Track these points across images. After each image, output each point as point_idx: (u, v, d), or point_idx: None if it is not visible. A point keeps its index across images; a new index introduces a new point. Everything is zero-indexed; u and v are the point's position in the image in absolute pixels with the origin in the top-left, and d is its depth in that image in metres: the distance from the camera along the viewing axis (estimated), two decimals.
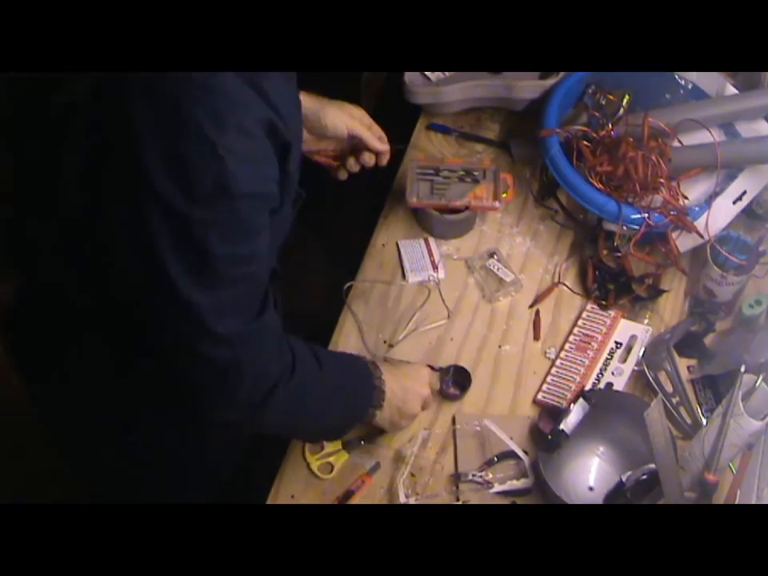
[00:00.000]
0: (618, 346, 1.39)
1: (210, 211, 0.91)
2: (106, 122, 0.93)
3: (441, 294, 1.45)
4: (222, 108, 0.90)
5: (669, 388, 1.34)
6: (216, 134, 0.89)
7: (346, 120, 1.34)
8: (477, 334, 1.42)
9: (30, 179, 1.09)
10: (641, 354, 1.37)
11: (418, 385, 1.27)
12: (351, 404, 1.23)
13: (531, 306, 1.45)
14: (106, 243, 0.99)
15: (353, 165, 1.37)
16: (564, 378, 1.36)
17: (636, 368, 1.36)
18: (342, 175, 1.39)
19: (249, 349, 1.02)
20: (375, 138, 1.36)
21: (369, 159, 1.36)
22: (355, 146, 1.37)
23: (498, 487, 1.26)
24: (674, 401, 1.33)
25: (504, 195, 1.49)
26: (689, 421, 1.31)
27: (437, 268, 1.48)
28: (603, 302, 1.43)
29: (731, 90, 1.52)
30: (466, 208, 1.47)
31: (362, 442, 1.31)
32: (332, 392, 1.18)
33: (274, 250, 1.15)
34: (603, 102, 1.51)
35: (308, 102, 1.28)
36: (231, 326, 0.99)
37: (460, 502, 1.26)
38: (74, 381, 1.22)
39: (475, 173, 1.50)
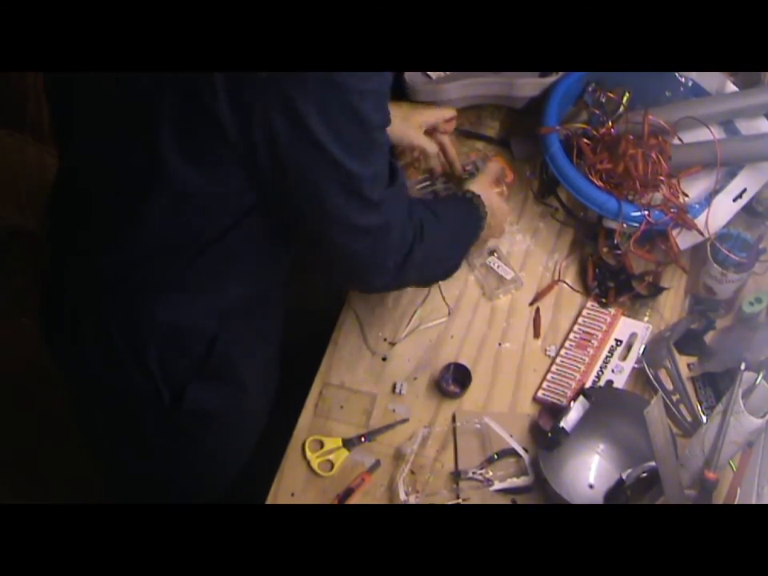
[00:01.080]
0: (618, 343, 1.39)
1: (366, 82, 0.97)
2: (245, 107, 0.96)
3: (441, 291, 1.45)
4: (373, 84, 0.99)
5: (669, 386, 1.34)
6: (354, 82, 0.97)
7: (413, 136, 1.44)
8: (477, 331, 1.42)
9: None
10: (641, 351, 1.37)
11: (499, 207, 1.41)
12: (466, 239, 1.35)
13: (531, 304, 1.45)
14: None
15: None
16: (564, 376, 1.36)
17: (636, 366, 1.36)
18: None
19: (392, 212, 1.11)
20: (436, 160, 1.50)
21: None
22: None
23: (498, 485, 1.26)
24: (674, 398, 1.33)
25: (505, 178, 1.49)
26: (689, 418, 1.31)
27: None
28: (603, 300, 1.43)
29: (731, 87, 1.52)
30: None
31: (362, 440, 1.31)
32: (451, 236, 1.30)
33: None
34: (603, 100, 1.51)
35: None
36: (379, 192, 1.08)
37: (460, 500, 1.26)
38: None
39: (468, 167, 1.50)
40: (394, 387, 1.36)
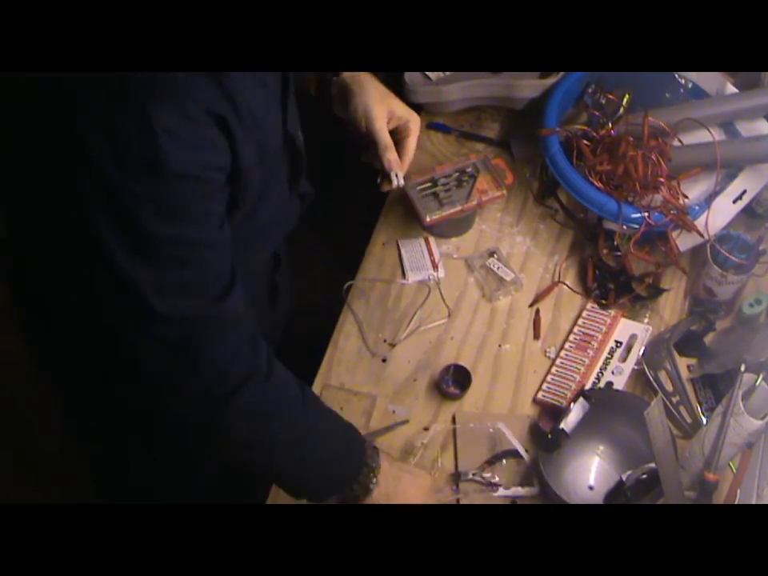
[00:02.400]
0: (618, 345, 1.39)
1: (141, 185, 0.89)
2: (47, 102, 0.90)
3: (441, 293, 1.45)
4: (165, 87, 0.88)
5: (669, 387, 1.34)
6: (152, 109, 0.87)
7: (368, 114, 1.28)
8: (477, 333, 1.42)
9: None
10: (641, 353, 1.37)
11: (413, 489, 1.19)
12: (332, 461, 1.14)
13: (531, 305, 1.45)
14: (49, 226, 0.98)
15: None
16: (564, 377, 1.36)
17: (636, 367, 1.36)
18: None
19: (204, 334, 0.98)
20: (388, 154, 1.30)
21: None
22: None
23: (502, 491, 1.26)
24: (674, 400, 1.33)
25: (505, 180, 1.49)
26: (689, 420, 1.31)
27: (437, 267, 1.48)
28: (603, 301, 1.43)
29: (731, 89, 1.52)
30: (478, 206, 1.47)
31: None
32: (312, 433, 1.11)
33: (267, 235, 1.14)
34: (603, 101, 1.51)
35: (348, 77, 1.27)
36: (180, 306, 0.96)
37: (460, 501, 1.26)
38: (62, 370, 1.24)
39: (468, 169, 1.50)
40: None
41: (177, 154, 0.89)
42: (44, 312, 1.17)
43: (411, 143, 1.32)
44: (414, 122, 1.33)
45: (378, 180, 1.34)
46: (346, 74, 1.29)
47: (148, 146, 0.88)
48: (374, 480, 1.15)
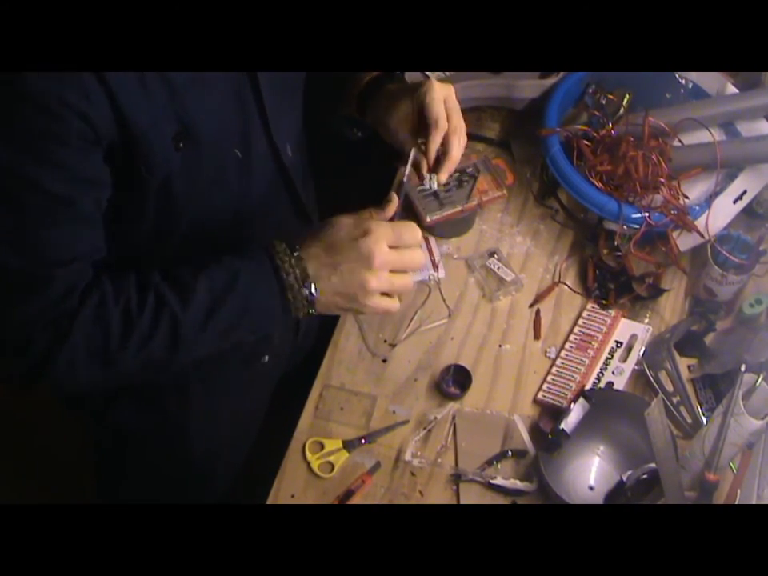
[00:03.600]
0: (619, 345, 1.39)
1: None
2: None
3: (441, 293, 1.45)
4: None
5: (669, 387, 1.34)
6: None
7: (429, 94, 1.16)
8: (477, 333, 1.42)
9: None
10: (641, 353, 1.37)
11: (356, 268, 1.03)
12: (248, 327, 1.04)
13: (531, 306, 1.45)
14: None
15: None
16: (564, 378, 1.36)
17: (636, 367, 1.36)
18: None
19: (21, 296, 0.94)
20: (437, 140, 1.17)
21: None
22: None
23: (500, 480, 1.26)
24: (675, 400, 1.33)
25: (505, 180, 1.49)
26: (689, 420, 1.31)
27: (437, 267, 1.47)
28: (604, 302, 1.43)
29: (732, 89, 1.52)
30: (479, 206, 1.47)
31: (363, 442, 1.31)
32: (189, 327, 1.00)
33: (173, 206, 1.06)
34: (603, 102, 1.51)
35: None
36: (3, 257, 0.92)
37: (460, 501, 1.26)
38: None
39: (469, 169, 1.50)
40: None
41: (36, 76, 0.86)
42: None
43: (456, 151, 1.20)
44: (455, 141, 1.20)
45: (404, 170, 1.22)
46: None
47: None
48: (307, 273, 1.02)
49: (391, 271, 1.05)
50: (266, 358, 1.36)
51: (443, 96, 1.16)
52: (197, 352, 1.04)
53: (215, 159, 1.05)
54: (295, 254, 1.02)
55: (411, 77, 1.59)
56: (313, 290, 1.02)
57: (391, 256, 1.04)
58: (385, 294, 1.06)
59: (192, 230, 1.09)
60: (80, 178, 0.94)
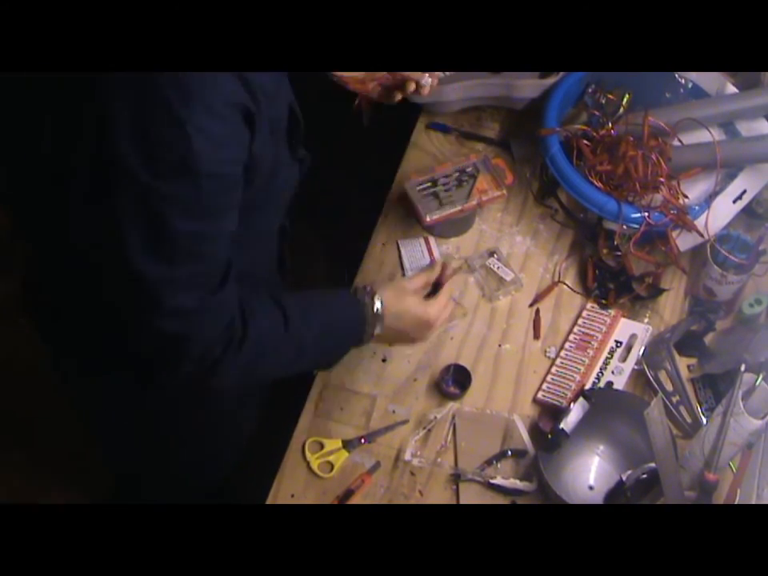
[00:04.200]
0: (618, 344, 1.39)
1: (172, 186, 0.91)
2: (74, 104, 0.92)
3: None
4: (194, 86, 0.89)
5: (669, 387, 1.34)
6: (185, 112, 0.88)
7: None
8: (477, 333, 1.42)
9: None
10: (641, 352, 1.37)
11: (418, 331, 1.26)
12: (335, 343, 1.22)
13: (531, 305, 1.45)
14: (68, 216, 0.99)
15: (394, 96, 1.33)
16: (564, 377, 1.36)
17: (636, 367, 1.36)
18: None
19: (200, 324, 1.01)
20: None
21: (409, 86, 1.31)
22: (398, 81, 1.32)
23: (500, 480, 1.26)
24: (674, 400, 1.33)
25: (505, 180, 1.49)
26: (689, 420, 1.31)
27: None
28: (603, 301, 1.43)
29: (731, 89, 1.52)
30: (478, 205, 1.47)
31: (362, 441, 1.31)
32: (305, 343, 1.14)
33: (275, 206, 1.16)
34: (603, 101, 1.51)
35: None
36: (186, 300, 0.99)
37: (460, 501, 1.26)
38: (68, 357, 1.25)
39: (468, 169, 1.50)
40: None
41: (207, 153, 0.91)
42: (57, 308, 1.19)
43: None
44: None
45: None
46: None
47: (180, 148, 0.89)
48: (380, 322, 1.21)
49: None
50: None
51: None
52: (299, 364, 1.18)
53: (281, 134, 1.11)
54: (369, 290, 1.22)
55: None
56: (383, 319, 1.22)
57: (443, 319, 1.28)
58: None
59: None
60: (237, 209, 1.01)
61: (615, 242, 1.41)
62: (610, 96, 1.51)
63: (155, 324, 0.99)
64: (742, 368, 1.12)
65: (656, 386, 1.33)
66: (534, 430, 1.31)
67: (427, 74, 1.30)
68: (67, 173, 0.95)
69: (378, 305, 1.21)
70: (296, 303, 1.15)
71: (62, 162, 0.95)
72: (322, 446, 1.31)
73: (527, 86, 1.59)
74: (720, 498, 1.15)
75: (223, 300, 1.03)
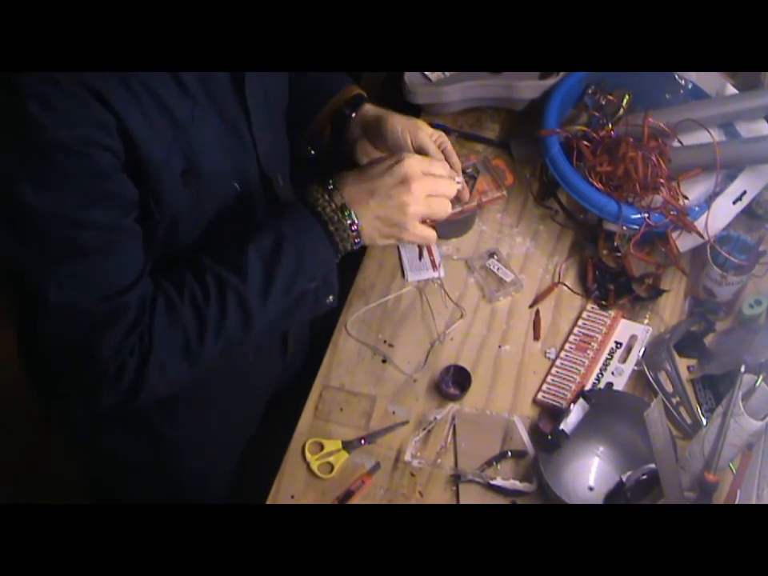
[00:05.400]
0: (618, 345, 1.39)
1: (16, 154, 0.89)
2: None
3: (448, 295, 1.45)
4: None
5: (669, 388, 1.34)
6: (23, 78, 0.86)
7: (410, 127, 1.19)
8: (477, 333, 1.42)
9: None
10: (641, 353, 1.37)
11: (393, 190, 1.07)
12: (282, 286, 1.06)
13: (531, 306, 1.45)
14: None
15: None
16: (564, 378, 1.36)
17: (636, 368, 1.36)
18: None
19: (100, 329, 0.96)
20: (441, 158, 1.19)
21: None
22: None
23: (500, 481, 1.26)
24: (674, 401, 1.33)
25: (505, 181, 1.49)
26: (689, 421, 1.31)
27: (437, 268, 1.47)
28: (603, 302, 1.43)
29: (731, 89, 1.52)
30: (478, 206, 1.47)
31: (362, 442, 1.31)
32: (275, 319, 1.05)
33: (186, 234, 1.08)
34: (603, 102, 1.51)
35: (372, 109, 1.24)
36: (75, 301, 0.95)
37: (460, 501, 1.26)
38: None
39: (468, 170, 1.50)
40: None
41: (51, 123, 0.88)
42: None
43: (451, 151, 1.22)
44: (444, 135, 1.23)
45: None
46: (367, 108, 1.25)
47: (16, 111, 0.87)
48: (352, 221, 1.07)
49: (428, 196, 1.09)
50: (250, 376, 1.36)
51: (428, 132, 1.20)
52: (268, 318, 1.05)
53: (217, 193, 1.07)
54: (329, 187, 1.06)
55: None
56: (354, 218, 1.06)
57: (427, 180, 1.08)
58: (423, 221, 1.11)
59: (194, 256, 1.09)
60: (124, 203, 0.97)
61: (615, 243, 1.41)
62: (610, 97, 1.51)
63: (50, 325, 0.96)
64: (742, 369, 1.12)
65: (656, 386, 1.33)
66: (534, 431, 1.31)
67: (459, 177, 1.20)
68: None
69: (338, 198, 1.06)
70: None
71: None
72: (322, 447, 1.31)
73: (527, 86, 1.59)
74: (720, 498, 1.15)
75: (129, 304, 0.98)
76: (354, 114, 1.26)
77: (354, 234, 1.07)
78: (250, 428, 1.48)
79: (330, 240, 1.06)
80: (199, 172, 1.02)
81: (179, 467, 1.38)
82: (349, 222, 1.06)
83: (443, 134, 1.23)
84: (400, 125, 1.20)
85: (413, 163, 1.08)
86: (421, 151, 1.18)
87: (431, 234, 1.13)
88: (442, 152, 1.21)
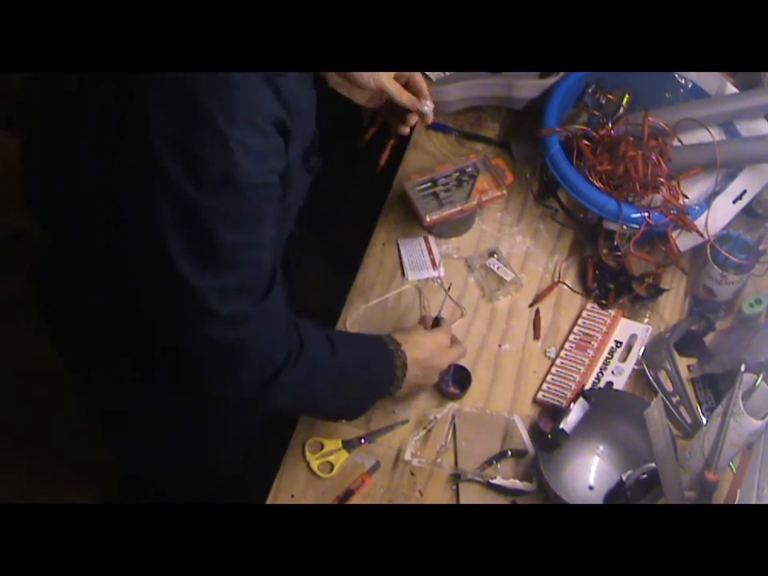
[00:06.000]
0: (618, 345, 1.39)
1: (216, 200, 0.93)
2: (117, 108, 0.94)
3: (449, 295, 1.45)
4: (237, 102, 0.91)
5: (669, 387, 1.34)
6: (228, 127, 0.90)
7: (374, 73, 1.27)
8: (477, 333, 1.42)
9: (47, 161, 1.10)
10: (641, 353, 1.37)
11: (438, 360, 1.28)
12: (368, 385, 1.23)
13: (531, 305, 1.45)
14: (114, 227, 1.00)
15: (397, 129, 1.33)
16: (564, 377, 1.36)
17: (636, 367, 1.36)
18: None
19: (255, 329, 1.03)
20: (405, 94, 1.29)
21: (401, 127, 1.33)
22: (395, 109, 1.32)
23: (499, 480, 1.26)
24: (674, 400, 1.33)
25: (505, 180, 1.49)
26: (689, 420, 1.31)
27: (437, 267, 1.48)
28: (603, 301, 1.43)
29: (731, 89, 1.52)
30: (478, 205, 1.47)
31: (362, 441, 1.31)
32: (346, 374, 1.18)
33: (290, 216, 1.17)
34: (603, 101, 1.51)
35: None
36: (238, 308, 1.00)
37: (460, 501, 1.26)
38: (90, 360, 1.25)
39: (468, 169, 1.50)
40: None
41: (249, 166, 0.93)
42: (77, 308, 1.20)
43: (419, 80, 1.31)
44: (416, 74, 1.32)
45: (393, 139, 1.36)
46: None
47: (224, 162, 0.91)
48: (402, 382, 1.23)
49: None
50: None
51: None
52: (324, 394, 1.18)
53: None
54: (401, 356, 1.23)
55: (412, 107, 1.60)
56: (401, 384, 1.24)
57: (454, 353, 1.31)
58: None
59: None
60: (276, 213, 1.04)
61: (615, 242, 1.41)
62: (609, 96, 1.51)
63: (207, 333, 1.00)
64: (742, 368, 1.12)
65: (656, 386, 1.33)
66: (534, 430, 1.31)
67: (428, 101, 1.30)
68: (108, 173, 0.97)
69: (402, 353, 1.24)
70: (336, 332, 1.22)
71: (103, 160, 0.97)
72: (321, 446, 1.31)
73: (527, 86, 1.59)
74: (720, 498, 1.15)
75: (274, 305, 1.04)
76: None
77: (395, 389, 1.25)
78: (251, 427, 1.48)
79: (388, 385, 1.23)
80: (308, 140, 1.10)
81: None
82: (402, 381, 1.24)
83: (414, 73, 1.30)
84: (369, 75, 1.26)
85: (454, 350, 1.31)
86: (383, 90, 1.27)
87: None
88: (410, 85, 1.29)
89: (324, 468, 1.29)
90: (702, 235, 1.38)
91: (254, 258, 1.01)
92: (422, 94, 1.30)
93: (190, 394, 1.15)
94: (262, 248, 1.01)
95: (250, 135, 0.92)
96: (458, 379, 1.36)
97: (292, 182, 1.06)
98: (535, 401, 1.35)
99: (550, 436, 1.26)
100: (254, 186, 0.95)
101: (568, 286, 1.46)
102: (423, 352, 1.25)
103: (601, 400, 1.29)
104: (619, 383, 1.35)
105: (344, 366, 1.17)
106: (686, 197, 1.40)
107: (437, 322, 1.32)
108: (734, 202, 1.41)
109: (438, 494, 1.27)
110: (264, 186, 0.97)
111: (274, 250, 1.06)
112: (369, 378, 1.22)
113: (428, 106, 1.30)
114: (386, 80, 1.27)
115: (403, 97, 1.28)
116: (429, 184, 1.49)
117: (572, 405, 1.28)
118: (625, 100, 1.51)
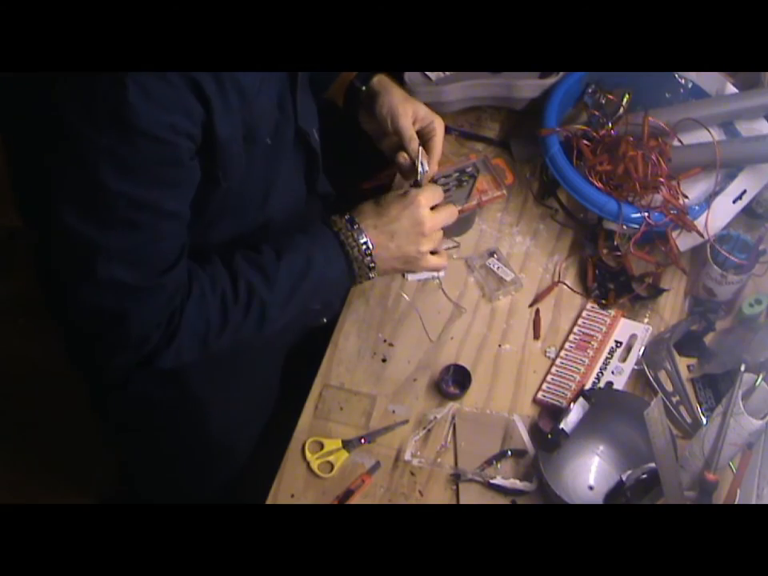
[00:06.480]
0: (618, 345, 1.39)
1: (105, 137, 0.90)
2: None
3: (444, 292, 1.45)
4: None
5: (669, 387, 1.34)
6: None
7: (393, 111, 1.26)
8: (477, 333, 1.42)
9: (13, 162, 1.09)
10: (641, 353, 1.37)
11: (410, 221, 1.19)
12: (324, 287, 1.17)
13: (531, 305, 1.45)
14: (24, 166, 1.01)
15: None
16: (564, 377, 1.36)
17: (636, 367, 1.36)
18: None
19: (137, 304, 1.00)
20: (415, 143, 1.26)
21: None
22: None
23: (499, 480, 1.26)
24: (674, 400, 1.33)
25: (505, 180, 1.49)
26: (689, 420, 1.31)
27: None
28: (603, 301, 1.43)
29: (731, 89, 1.52)
30: (478, 205, 1.47)
31: (362, 441, 1.31)
32: (291, 297, 1.13)
33: (239, 213, 1.14)
34: (603, 101, 1.51)
35: (377, 84, 1.28)
36: (122, 275, 0.98)
37: (460, 501, 1.26)
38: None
39: (468, 169, 1.50)
40: None
41: (143, 110, 0.89)
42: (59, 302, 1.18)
43: (437, 143, 1.29)
44: (439, 124, 1.30)
45: (402, 176, 1.35)
46: (374, 82, 1.30)
47: (116, 98, 0.88)
48: (362, 253, 1.17)
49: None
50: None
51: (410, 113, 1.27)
52: (277, 325, 1.15)
53: (263, 153, 1.11)
54: (355, 227, 1.16)
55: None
56: (375, 259, 1.18)
57: (436, 219, 1.22)
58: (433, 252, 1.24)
59: (233, 217, 1.14)
60: (188, 190, 1.01)
61: (615, 242, 1.41)
62: (609, 96, 1.51)
63: (83, 294, 0.99)
64: (742, 368, 1.12)
65: (656, 386, 1.33)
66: (534, 430, 1.31)
67: (429, 164, 1.28)
68: (26, 139, 0.97)
69: (363, 240, 1.16)
70: (267, 257, 1.12)
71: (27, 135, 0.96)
72: (321, 446, 1.31)
73: (527, 86, 1.59)
74: (720, 498, 1.15)
75: (166, 285, 1.02)
76: (363, 88, 1.31)
77: (373, 272, 1.19)
78: (271, 387, 1.50)
79: (351, 276, 1.19)
80: (254, 136, 1.07)
81: (208, 422, 1.40)
82: (370, 262, 1.18)
83: (438, 121, 1.30)
84: (387, 106, 1.27)
85: (423, 203, 1.20)
86: (397, 134, 1.27)
87: (442, 263, 1.28)
88: (428, 141, 1.28)
89: (324, 468, 1.29)
90: (701, 235, 1.38)
91: (148, 224, 0.97)
92: (431, 154, 1.28)
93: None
94: (161, 217, 0.98)
95: (152, 79, 0.89)
96: (458, 379, 1.36)
97: (226, 165, 1.03)
98: (535, 401, 1.35)
99: (549, 436, 1.26)
100: (147, 135, 0.91)
101: (568, 286, 1.46)
102: (383, 217, 1.18)
103: (601, 400, 1.29)
104: (619, 383, 1.35)
105: (282, 292, 1.12)
106: (686, 197, 1.40)
107: (417, 184, 1.25)
108: (734, 201, 1.41)
109: (437, 494, 1.27)
110: (159, 142, 0.92)
111: (198, 235, 1.04)
112: (318, 283, 1.15)
113: (424, 167, 1.26)
114: (403, 120, 1.26)
115: (412, 143, 1.25)
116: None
117: (572, 405, 1.28)
118: (625, 100, 1.50)
